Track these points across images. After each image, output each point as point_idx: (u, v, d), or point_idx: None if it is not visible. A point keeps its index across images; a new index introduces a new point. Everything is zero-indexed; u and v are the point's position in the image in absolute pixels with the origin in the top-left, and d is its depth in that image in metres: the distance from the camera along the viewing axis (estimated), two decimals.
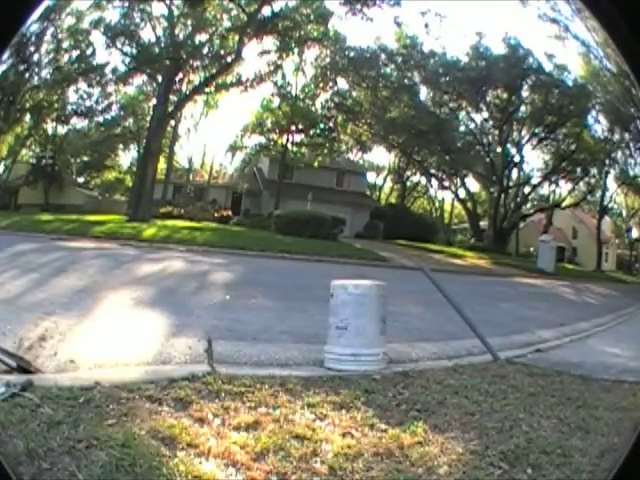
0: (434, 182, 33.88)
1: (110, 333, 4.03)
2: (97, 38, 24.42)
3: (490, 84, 26.93)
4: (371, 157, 45.07)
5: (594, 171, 29.54)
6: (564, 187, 31.78)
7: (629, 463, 1.35)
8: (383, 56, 27.38)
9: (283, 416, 2.52)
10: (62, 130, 28.41)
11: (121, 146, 31.26)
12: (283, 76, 27.42)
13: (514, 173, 30.48)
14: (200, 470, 1.92)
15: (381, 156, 57.66)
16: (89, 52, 25.03)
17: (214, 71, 23.98)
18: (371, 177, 36.65)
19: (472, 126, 29.71)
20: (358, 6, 22.86)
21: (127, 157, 38.89)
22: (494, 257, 22.64)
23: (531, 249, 27.83)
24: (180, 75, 24.03)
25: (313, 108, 28.95)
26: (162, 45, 23.98)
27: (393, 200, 36.02)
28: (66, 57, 24.90)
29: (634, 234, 36.14)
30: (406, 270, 12.71)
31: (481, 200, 33.08)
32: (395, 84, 27.61)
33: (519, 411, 2.86)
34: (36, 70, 24.27)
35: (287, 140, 28.14)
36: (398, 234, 24.77)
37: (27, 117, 26.73)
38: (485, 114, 29.09)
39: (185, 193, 30.02)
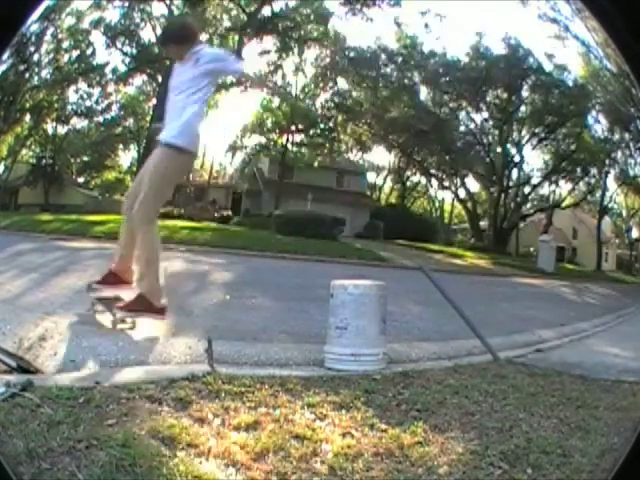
0: (434, 182, 33.92)
1: (110, 333, 4.02)
2: (97, 38, 24.52)
3: (490, 84, 26.96)
4: (371, 157, 44.97)
5: (594, 171, 29.58)
6: (564, 187, 31.84)
7: (629, 463, 1.35)
8: (383, 56, 27.40)
9: (283, 416, 2.52)
10: (62, 130, 28.44)
11: (121, 146, 31.28)
12: (283, 76, 27.48)
13: (514, 173, 30.54)
14: (200, 470, 1.92)
15: (381, 156, 57.49)
16: (89, 52, 25.12)
17: None
18: (371, 177, 36.58)
19: (472, 126, 29.74)
20: (358, 6, 22.90)
21: (127, 157, 38.93)
22: (494, 257, 22.65)
23: (531, 249, 27.85)
24: None
25: (313, 108, 28.98)
26: None
27: (393, 200, 36.02)
28: (66, 57, 24.96)
29: (634, 234, 36.17)
30: (406, 270, 12.71)
31: (481, 200, 33.08)
32: (395, 84, 27.64)
33: (519, 411, 2.86)
34: (36, 70, 24.34)
35: (287, 140, 28.16)
36: (398, 234, 24.75)
37: (27, 117, 26.75)
38: (485, 114, 29.15)
39: (185, 193, 30.01)
